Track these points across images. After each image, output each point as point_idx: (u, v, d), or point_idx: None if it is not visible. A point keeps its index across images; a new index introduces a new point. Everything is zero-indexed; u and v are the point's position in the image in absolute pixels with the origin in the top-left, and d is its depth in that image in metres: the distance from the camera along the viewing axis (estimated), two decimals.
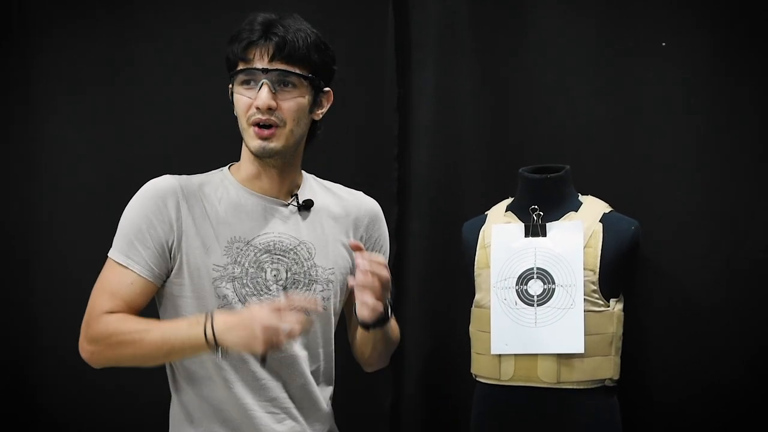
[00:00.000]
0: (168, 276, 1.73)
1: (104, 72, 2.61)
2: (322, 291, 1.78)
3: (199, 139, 2.55)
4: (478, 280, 2.18)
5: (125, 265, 1.69)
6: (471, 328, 2.21)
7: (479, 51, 2.51)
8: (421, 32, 2.56)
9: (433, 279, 2.51)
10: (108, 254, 1.72)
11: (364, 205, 1.88)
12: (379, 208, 1.91)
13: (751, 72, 2.24)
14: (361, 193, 1.91)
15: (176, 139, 2.58)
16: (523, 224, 2.15)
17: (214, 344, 1.60)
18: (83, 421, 2.58)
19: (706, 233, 2.27)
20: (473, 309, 2.20)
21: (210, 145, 2.52)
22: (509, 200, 2.25)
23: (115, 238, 1.73)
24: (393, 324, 1.86)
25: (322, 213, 1.82)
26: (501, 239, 2.15)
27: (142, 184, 2.50)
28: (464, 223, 2.30)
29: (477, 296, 2.19)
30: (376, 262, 1.64)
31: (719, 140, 2.27)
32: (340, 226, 1.83)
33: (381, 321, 1.73)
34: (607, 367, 2.08)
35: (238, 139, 2.51)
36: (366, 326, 1.74)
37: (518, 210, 2.19)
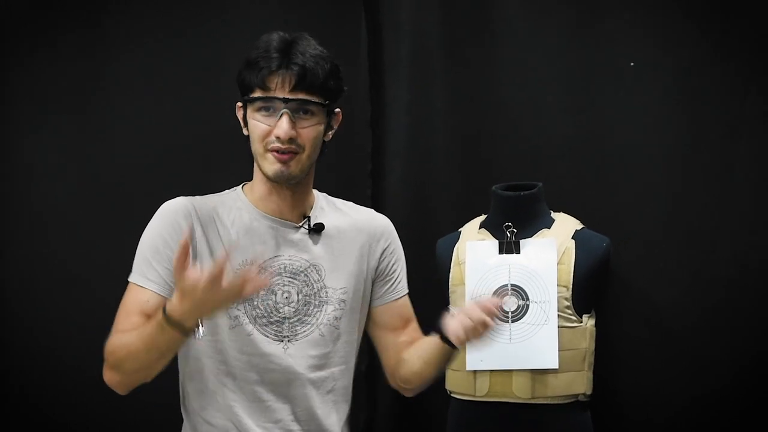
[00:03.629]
0: None
1: (77, 89, 2.59)
2: (334, 311, 1.78)
3: (175, 153, 2.56)
4: (453, 297, 2.20)
5: (141, 285, 1.69)
6: None
7: (451, 69, 2.54)
8: (394, 50, 2.58)
9: None
10: (128, 279, 1.72)
11: (374, 222, 1.87)
12: (390, 224, 1.90)
13: (717, 91, 2.30)
14: (371, 210, 1.91)
15: (152, 154, 2.58)
16: (497, 241, 2.18)
17: (180, 326, 1.55)
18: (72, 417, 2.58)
19: (675, 249, 2.32)
20: None
21: (185, 159, 2.56)
22: (482, 217, 2.28)
23: (135, 261, 1.72)
24: None
25: (332, 233, 1.81)
26: (475, 256, 2.18)
27: (118, 198, 2.54)
28: (438, 240, 2.32)
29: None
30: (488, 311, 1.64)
31: (687, 157, 2.32)
32: (350, 246, 1.83)
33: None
34: (580, 383, 2.11)
35: (215, 152, 2.55)
36: (453, 344, 1.70)
37: (492, 227, 2.22)
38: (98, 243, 2.55)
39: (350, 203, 1.90)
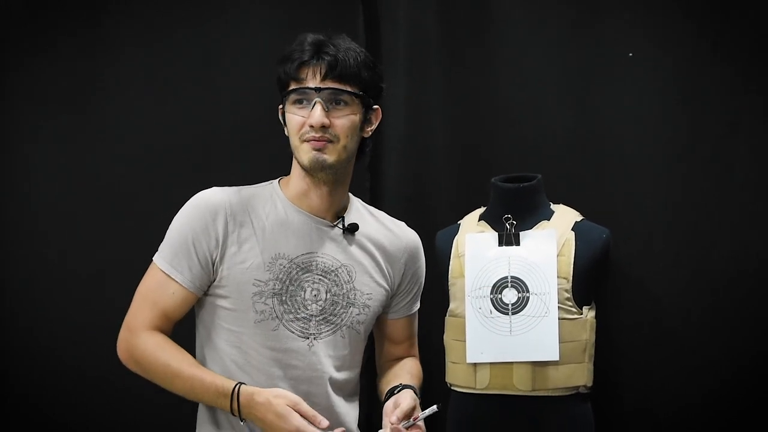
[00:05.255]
0: (209, 287, 1.75)
1: (77, 89, 2.58)
2: (358, 314, 1.80)
3: (175, 153, 2.56)
4: (453, 290, 2.20)
5: (168, 273, 1.72)
6: (445, 338, 2.22)
7: (449, 63, 2.54)
8: (391, 45, 2.58)
9: None
10: (153, 258, 1.75)
11: (405, 237, 1.91)
12: (419, 241, 1.95)
13: (716, 89, 2.29)
14: (403, 224, 1.95)
15: (152, 154, 2.57)
16: (496, 233, 2.17)
17: (236, 408, 1.66)
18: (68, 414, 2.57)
19: (675, 243, 2.31)
20: (447, 318, 2.21)
21: (185, 158, 2.55)
22: (482, 209, 2.27)
23: (162, 244, 1.75)
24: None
25: (365, 239, 1.84)
26: (475, 248, 2.17)
27: (118, 198, 2.53)
28: (437, 232, 2.31)
29: (451, 305, 2.20)
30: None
31: (686, 151, 2.32)
32: (381, 255, 1.86)
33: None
34: (581, 374, 2.10)
35: (215, 152, 2.55)
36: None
37: (491, 219, 2.21)
38: (98, 243, 2.55)
39: (383, 213, 1.94)
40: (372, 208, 1.92)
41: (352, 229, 1.80)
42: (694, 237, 2.29)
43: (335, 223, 1.80)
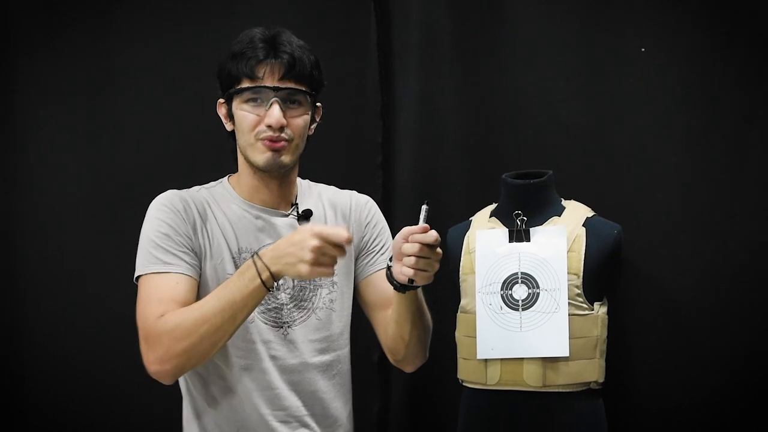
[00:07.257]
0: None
1: (87, 82, 2.61)
2: (329, 294, 1.81)
3: (181, 148, 2.58)
4: (464, 286, 2.20)
5: (166, 271, 1.67)
6: (457, 334, 2.22)
7: (461, 57, 2.53)
8: (404, 39, 2.58)
9: None
10: (137, 276, 1.69)
11: (355, 200, 1.92)
12: (372, 201, 1.94)
13: (729, 76, 2.27)
14: (354, 191, 1.95)
15: (159, 148, 2.60)
16: (507, 229, 2.17)
17: (270, 279, 1.58)
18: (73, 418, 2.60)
19: (688, 237, 2.30)
20: (459, 314, 2.22)
21: (192, 153, 2.56)
22: (493, 206, 2.27)
23: (139, 257, 1.69)
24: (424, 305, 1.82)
25: (319, 218, 1.85)
26: (485, 245, 2.17)
27: (125, 190, 2.55)
28: (449, 229, 2.31)
29: (462, 302, 2.21)
30: (415, 233, 1.62)
31: (699, 144, 2.30)
32: (334, 218, 1.88)
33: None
34: (592, 370, 2.10)
35: (220, 147, 2.56)
36: (403, 287, 1.67)
37: (502, 215, 2.21)
38: (105, 238, 2.58)
39: (332, 187, 1.94)
40: (321, 186, 1.93)
41: (306, 216, 1.82)
42: (706, 232, 2.28)
43: (289, 212, 1.81)
